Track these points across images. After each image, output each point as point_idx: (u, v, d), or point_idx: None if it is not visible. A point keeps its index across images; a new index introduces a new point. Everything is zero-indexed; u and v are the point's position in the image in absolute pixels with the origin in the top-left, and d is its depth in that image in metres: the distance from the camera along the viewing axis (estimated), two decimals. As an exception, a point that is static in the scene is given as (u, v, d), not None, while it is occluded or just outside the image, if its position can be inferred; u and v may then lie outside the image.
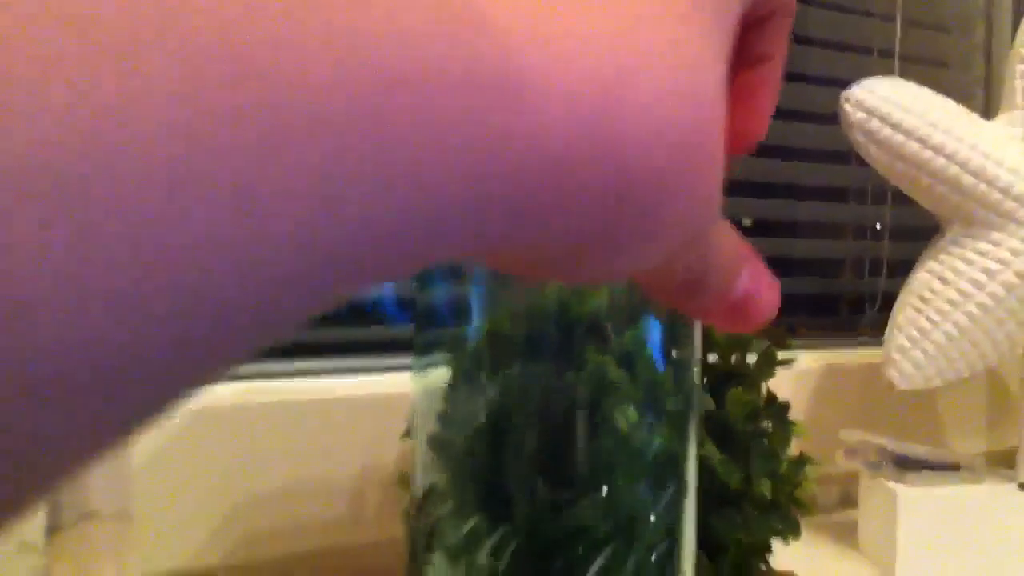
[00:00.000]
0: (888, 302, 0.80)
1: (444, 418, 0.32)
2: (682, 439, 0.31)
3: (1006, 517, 0.59)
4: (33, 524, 0.28)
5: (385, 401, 0.54)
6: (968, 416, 0.78)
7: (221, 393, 0.51)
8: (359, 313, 0.61)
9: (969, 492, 0.60)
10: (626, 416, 0.31)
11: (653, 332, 0.31)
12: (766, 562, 0.44)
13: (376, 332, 0.61)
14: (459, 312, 0.32)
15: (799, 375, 0.69)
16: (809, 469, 0.43)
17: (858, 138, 0.59)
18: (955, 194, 0.59)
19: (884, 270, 0.82)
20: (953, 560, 0.58)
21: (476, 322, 0.32)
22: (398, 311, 0.63)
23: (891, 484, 0.60)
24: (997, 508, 0.59)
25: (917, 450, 0.62)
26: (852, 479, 0.69)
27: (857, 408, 0.72)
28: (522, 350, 0.31)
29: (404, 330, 0.62)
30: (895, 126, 0.58)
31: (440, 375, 0.33)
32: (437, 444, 0.32)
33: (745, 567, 0.43)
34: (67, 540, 0.29)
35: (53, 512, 0.28)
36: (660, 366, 0.31)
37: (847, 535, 0.66)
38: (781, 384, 0.46)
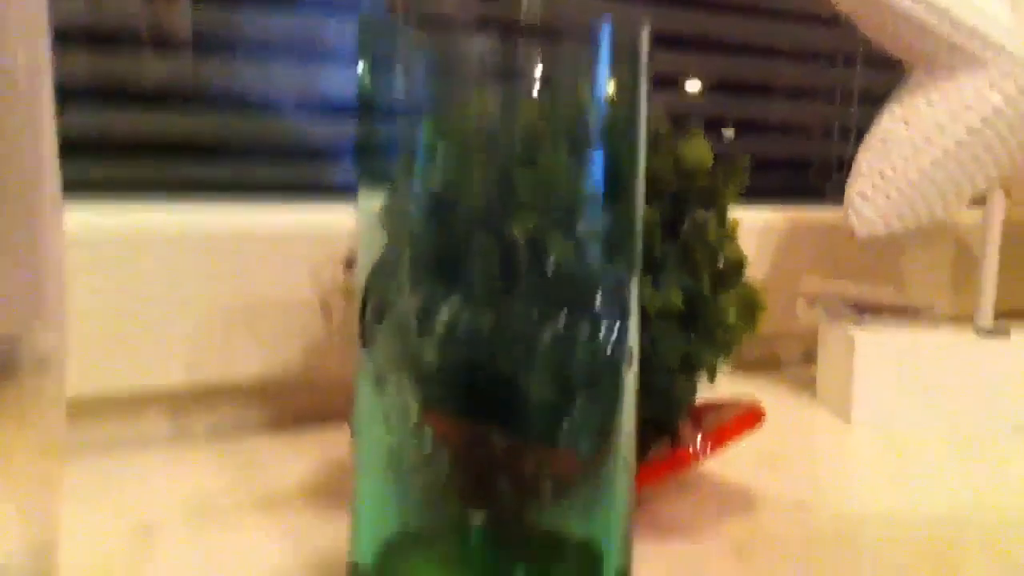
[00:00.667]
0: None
1: (392, 195, 0.31)
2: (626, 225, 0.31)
3: (962, 362, 0.59)
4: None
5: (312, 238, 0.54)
6: (930, 278, 0.78)
7: (159, 218, 0.50)
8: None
9: (927, 337, 0.60)
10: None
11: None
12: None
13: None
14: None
15: (764, 232, 0.69)
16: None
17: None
18: (920, 36, 0.58)
19: (853, 136, 0.82)
20: (909, 404, 0.59)
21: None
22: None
23: (848, 329, 0.60)
24: (954, 353, 0.59)
25: (875, 295, 0.62)
26: (814, 336, 0.69)
27: (821, 266, 0.72)
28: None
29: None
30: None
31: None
32: (385, 216, 0.31)
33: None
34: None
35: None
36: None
37: (806, 387, 0.66)
38: (744, 241, 0.46)
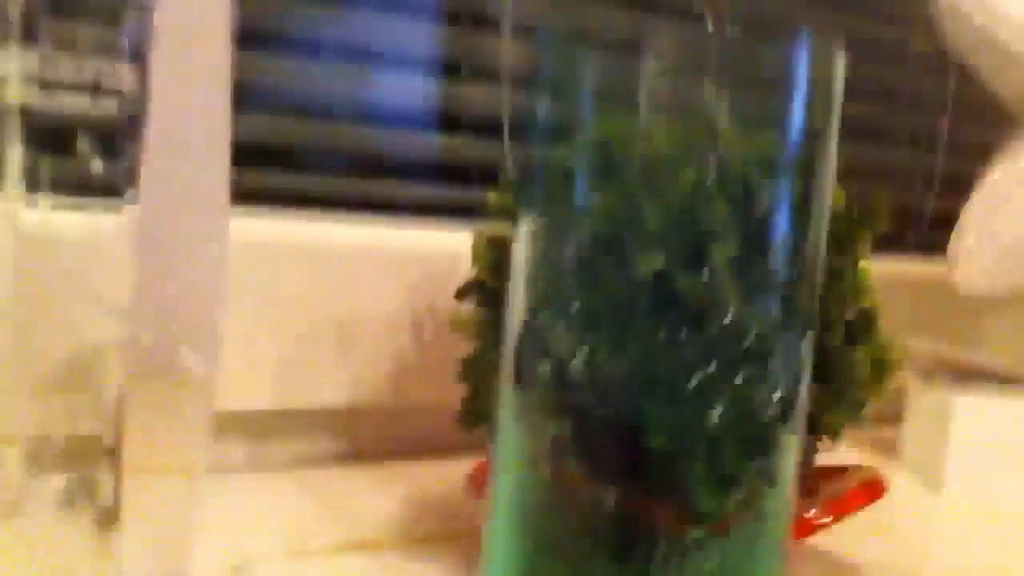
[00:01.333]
0: (938, 219, 0.78)
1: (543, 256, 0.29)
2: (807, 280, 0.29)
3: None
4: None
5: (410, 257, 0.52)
6: (1019, 338, 0.76)
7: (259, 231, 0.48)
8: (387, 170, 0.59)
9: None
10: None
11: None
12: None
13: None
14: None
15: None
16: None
17: (943, 13, 0.55)
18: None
19: (936, 185, 0.79)
20: (1005, 475, 0.56)
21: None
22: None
23: (944, 393, 0.57)
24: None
25: (972, 359, 0.59)
26: (889, 396, 0.66)
27: (906, 323, 0.69)
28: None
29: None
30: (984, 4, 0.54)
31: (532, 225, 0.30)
32: (537, 279, 0.29)
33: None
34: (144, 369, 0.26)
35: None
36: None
37: (887, 449, 0.63)
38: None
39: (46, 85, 0.22)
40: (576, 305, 0.28)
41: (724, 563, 0.29)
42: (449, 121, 0.61)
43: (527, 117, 0.30)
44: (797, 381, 0.28)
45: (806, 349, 0.29)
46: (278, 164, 0.55)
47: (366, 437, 0.53)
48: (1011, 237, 0.56)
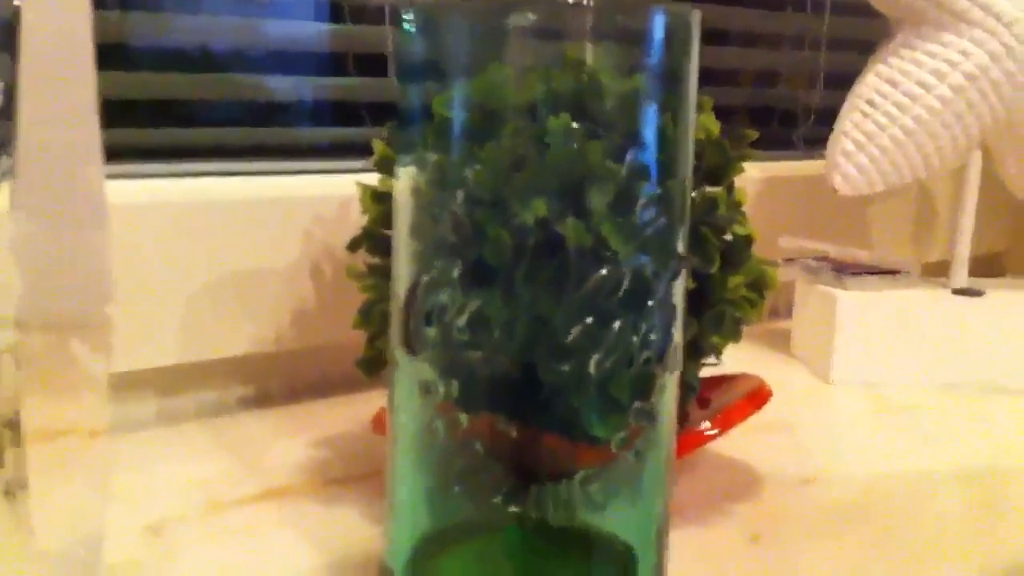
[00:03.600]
0: (822, 115, 0.80)
1: (425, 210, 0.30)
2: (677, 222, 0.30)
3: (939, 320, 0.59)
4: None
5: (299, 203, 0.52)
6: (896, 229, 0.79)
7: (145, 188, 0.48)
8: (266, 115, 0.58)
9: (905, 296, 0.60)
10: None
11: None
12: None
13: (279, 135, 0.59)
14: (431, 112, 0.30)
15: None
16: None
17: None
18: (907, -7, 0.58)
19: (820, 83, 0.81)
20: (887, 362, 0.59)
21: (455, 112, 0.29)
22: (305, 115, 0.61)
23: (830, 289, 0.60)
24: (932, 312, 0.59)
25: (855, 255, 0.62)
26: (781, 289, 0.69)
27: (792, 218, 0.72)
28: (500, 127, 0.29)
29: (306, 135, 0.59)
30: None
31: (411, 171, 0.31)
32: (421, 233, 0.30)
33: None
34: (36, 345, 0.27)
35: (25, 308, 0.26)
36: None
37: (779, 343, 0.66)
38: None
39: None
40: (458, 264, 0.29)
41: (610, 494, 0.31)
42: (335, 61, 0.60)
43: (400, 67, 0.30)
44: (670, 324, 0.30)
45: (678, 292, 0.30)
46: (163, 118, 0.54)
47: (273, 383, 0.54)
48: (885, 138, 0.58)
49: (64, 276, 0.29)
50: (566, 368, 0.29)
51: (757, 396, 0.43)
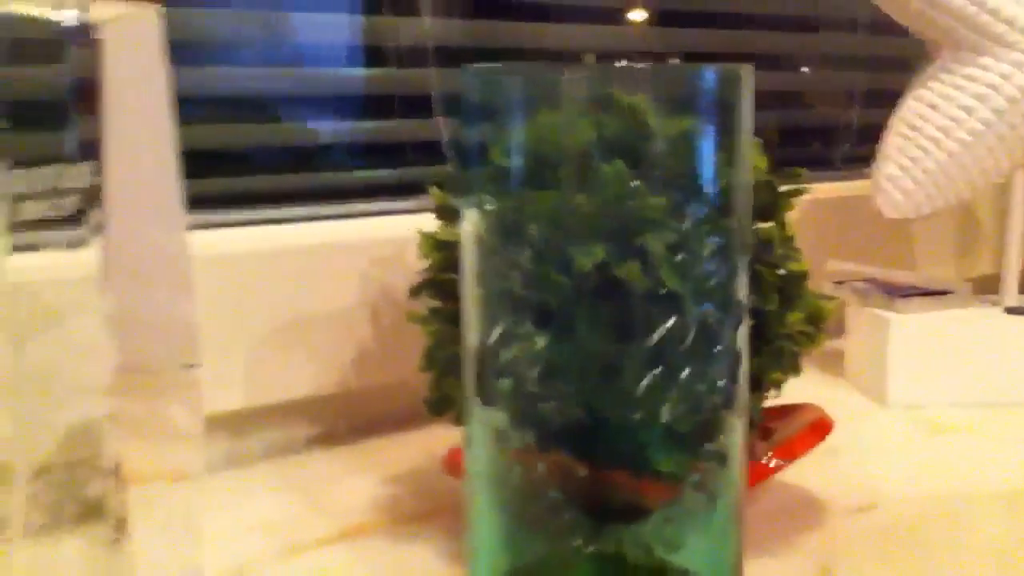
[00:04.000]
0: (862, 134, 0.80)
1: (488, 259, 0.31)
2: (738, 267, 0.31)
3: (992, 339, 0.60)
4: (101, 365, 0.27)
5: (356, 247, 0.53)
6: (940, 245, 0.79)
7: (206, 238, 0.50)
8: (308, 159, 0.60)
9: (957, 316, 0.61)
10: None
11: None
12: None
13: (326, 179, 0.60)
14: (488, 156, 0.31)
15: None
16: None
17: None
18: (944, 16, 0.58)
19: (858, 102, 0.82)
20: (941, 383, 0.60)
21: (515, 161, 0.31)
22: (352, 156, 0.62)
23: (881, 312, 0.61)
24: (984, 331, 0.60)
25: (905, 278, 0.63)
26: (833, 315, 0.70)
27: (834, 240, 0.72)
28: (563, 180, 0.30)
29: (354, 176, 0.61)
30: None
31: (474, 217, 0.32)
32: (483, 280, 0.31)
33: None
34: (136, 383, 0.28)
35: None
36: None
37: (831, 365, 0.67)
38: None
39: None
40: (528, 318, 0.30)
41: (686, 533, 0.32)
42: (381, 103, 0.62)
43: (457, 128, 0.32)
44: (736, 369, 0.31)
45: (741, 338, 0.31)
46: (210, 168, 0.56)
47: (338, 423, 0.55)
48: (929, 162, 0.59)
49: (156, 341, 0.30)
50: (637, 416, 0.30)
51: (820, 426, 0.43)
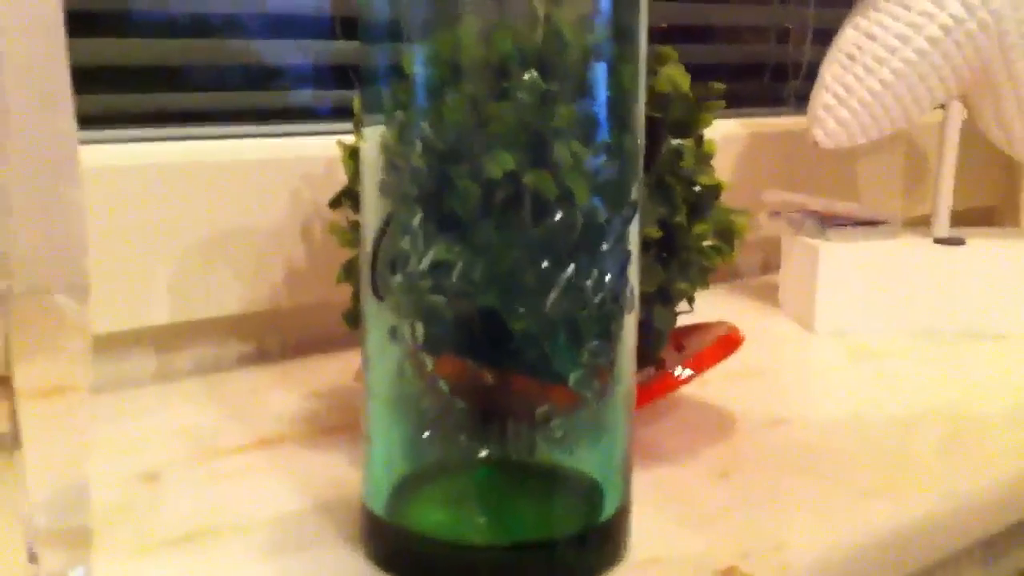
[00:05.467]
0: (812, 71, 0.81)
1: (390, 164, 0.31)
2: (632, 170, 0.31)
3: (920, 269, 0.61)
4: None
5: (288, 164, 0.53)
6: (885, 181, 0.80)
7: (138, 152, 0.50)
8: (262, 79, 0.59)
9: (887, 246, 0.61)
10: (570, 150, 0.31)
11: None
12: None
13: (275, 98, 0.60)
14: (397, 70, 0.31)
15: (722, 140, 0.70)
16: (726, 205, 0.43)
17: None
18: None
19: (809, 38, 0.82)
20: (869, 311, 0.61)
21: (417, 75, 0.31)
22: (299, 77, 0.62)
23: (813, 240, 0.61)
24: (912, 261, 0.61)
25: (837, 207, 0.63)
26: (772, 245, 0.70)
27: (780, 173, 0.73)
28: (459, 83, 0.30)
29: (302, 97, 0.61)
30: None
31: (379, 130, 0.32)
32: (387, 188, 0.31)
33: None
34: (23, 309, 0.28)
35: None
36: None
37: (769, 296, 0.68)
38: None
39: None
40: (419, 212, 0.31)
41: (570, 430, 0.32)
42: (325, 25, 0.62)
43: (364, 24, 0.32)
44: (625, 268, 0.31)
45: (633, 238, 0.32)
46: (157, 83, 0.56)
47: (269, 340, 0.55)
48: (864, 91, 0.59)
49: (44, 234, 0.30)
50: (523, 309, 0.31)
51: (729, 341, 0.44)
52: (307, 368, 0.54)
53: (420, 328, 0.31)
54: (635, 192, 0.32)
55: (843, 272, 0.60)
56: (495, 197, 0.31)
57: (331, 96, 0.61)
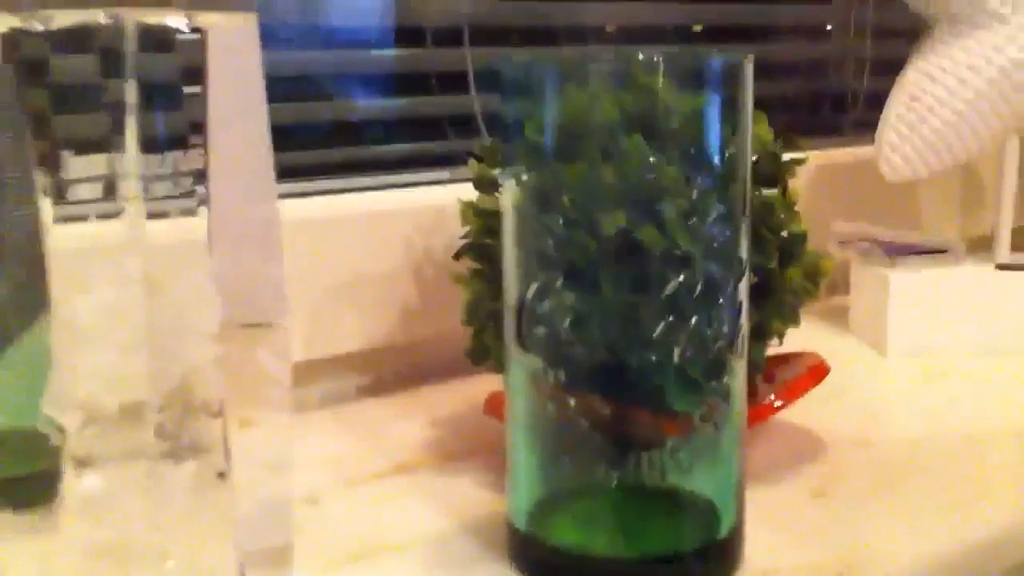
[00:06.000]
0: (870, 101, 0.85)
1: (524, 222, 0.36)
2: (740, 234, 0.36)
3: (983, 293, 0.65)
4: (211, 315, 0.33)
5: (403, 215, 0.59)
6: (944, 205, 0.84)
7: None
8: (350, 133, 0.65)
9: (951, 273, 0.66)
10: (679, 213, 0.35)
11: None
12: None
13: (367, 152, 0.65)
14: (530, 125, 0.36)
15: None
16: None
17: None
18: (943, -6, 0.63)
19: (867, 69, 0.86)
20: (937, 335, 0.65)
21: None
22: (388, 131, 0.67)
23: (883, 269, 0.66)
24: (976, 286, 0.65)
25: (905, 238, 0.68)
26: (837, 269, 0.75)
27: (843, 202, 0.77)
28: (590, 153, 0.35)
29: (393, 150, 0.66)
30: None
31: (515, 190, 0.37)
32: (521, 242, 0.36)
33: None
34: (235, 335, 0.33)
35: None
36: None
37: (836, 318, 0.72)
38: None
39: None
40: (560, 275, 0.36)
41: (695, 459, 0.37)
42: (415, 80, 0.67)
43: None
44: (738, 318, 0.36)
45: (743, 290, 0.37)
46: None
47: (384, 373, 0.61)
48: (926, 129, 0.64)
49: (253, 297, 0.36)
50: (653, 358, 0.36)
51: (817, 371, 0.49)
52: (422, 398, 0.59)
53: (561, 373, 0.37)
54: (743, 251, 0.37)
55: (912, 298, 0.65)
56: (618, 254, 0.36)
57: (421, 148, 0.66)
